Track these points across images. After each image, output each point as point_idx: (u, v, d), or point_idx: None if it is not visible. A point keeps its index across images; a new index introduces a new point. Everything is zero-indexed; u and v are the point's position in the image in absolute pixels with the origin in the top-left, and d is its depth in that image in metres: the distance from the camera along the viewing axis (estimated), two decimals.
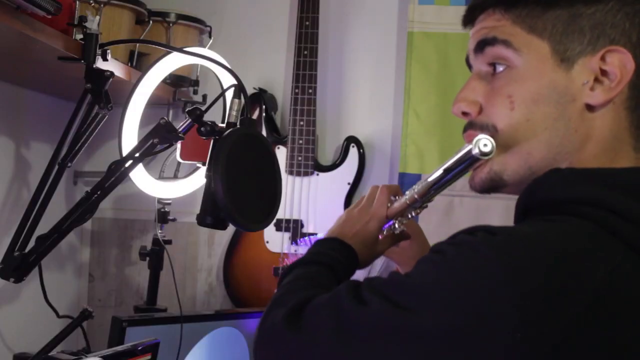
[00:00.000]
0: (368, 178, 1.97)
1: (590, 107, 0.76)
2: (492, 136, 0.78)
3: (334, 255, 0.98)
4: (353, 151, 1.93)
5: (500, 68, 0.81)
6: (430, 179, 0.92)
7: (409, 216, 1.04)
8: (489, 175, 0.82)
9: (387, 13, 2.00)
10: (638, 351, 0.64)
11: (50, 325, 1.50)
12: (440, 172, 0.88)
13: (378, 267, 1.84)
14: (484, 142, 0.77)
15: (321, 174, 1.91)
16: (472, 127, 0.83)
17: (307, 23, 1.87)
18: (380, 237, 1.06)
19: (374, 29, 2.01)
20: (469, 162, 0.81)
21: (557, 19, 0.77)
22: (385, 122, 1.99)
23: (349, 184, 1.92)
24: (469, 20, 0.86)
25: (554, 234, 0.68)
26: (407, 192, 0.99)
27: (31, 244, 1.26)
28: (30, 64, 1.46)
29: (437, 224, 1.87)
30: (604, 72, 0.76)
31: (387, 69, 2.00)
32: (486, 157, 0.77)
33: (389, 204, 1.05)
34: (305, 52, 1.87)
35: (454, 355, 0.65)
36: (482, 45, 0.82)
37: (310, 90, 1.88)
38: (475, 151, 0.77)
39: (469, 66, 0.87)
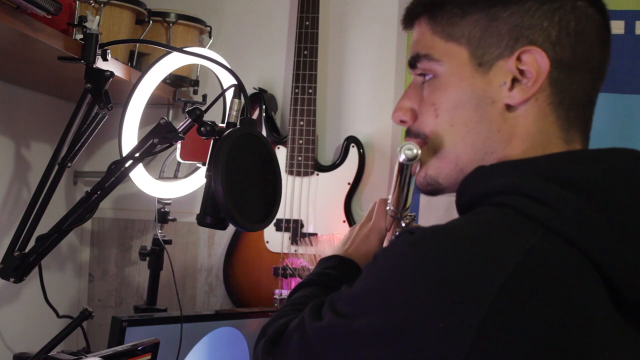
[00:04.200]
0: (368, 178, 1.98)
1: (510, 107, 0.79)
2: (423, 142, 0.84)
3: (332, 273, 1.01)
4: (353, 151, 1.93)
5: (428, 77, 0.84)
6: (392, 192, 0.98)
7: (402, 225, 1.06)
8: (426, 180, 0.86)
9: (387, 13, 2.00)
10: (558, 326, 0.65)
11: (50, 325, 1.51)
12: (393, 182, 0.95)
13: None
14: (407, 147, 0.83)
15: (321, 174, 1.91)
16: (409, 134, 0.88)
17: (307, 23, 1.87)
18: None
19: (374, 29, 2.01)
20: (403, 169, 0.88)
21: (475, 23, 0.80)
22: (385, 122, 1.99)
23: (349, 184, 1.92)
24: (406, 25, 0.91)
25: (469, 225, 0.71)
26: (388, 205, 1.04)
27: (31, 244, 1.26)
28: (30, 64, 1.46)
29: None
30: (521, 72, 0.78)
31: (387, 69, 2.00)
32: (413, 162, 0.83)
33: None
34: (305, 52, 1.87)
35: (384, 354, 0.68)
36: (412, 62, 0.86)
37: (310, 90, 1.88)
38: (402, 158, 0.83)
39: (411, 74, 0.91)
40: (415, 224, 1.07)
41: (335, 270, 1.02)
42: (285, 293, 1.88)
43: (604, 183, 0.71)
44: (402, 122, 0.88)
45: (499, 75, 0.79)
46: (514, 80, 0.78)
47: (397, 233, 1.08)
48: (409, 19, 0.89)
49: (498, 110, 0.79)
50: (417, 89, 0.87)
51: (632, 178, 0.73)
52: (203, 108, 1.13)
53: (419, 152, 0.82)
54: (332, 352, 0.74)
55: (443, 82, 0.82)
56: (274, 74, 2.05)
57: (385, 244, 1.09)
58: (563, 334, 0.64)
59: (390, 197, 1.00)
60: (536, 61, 0.77)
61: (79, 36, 1.31)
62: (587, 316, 0.66)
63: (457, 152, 0.82)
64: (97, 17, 1.38)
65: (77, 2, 1.39)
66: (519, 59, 0.78)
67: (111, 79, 1.32)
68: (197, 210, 1.10)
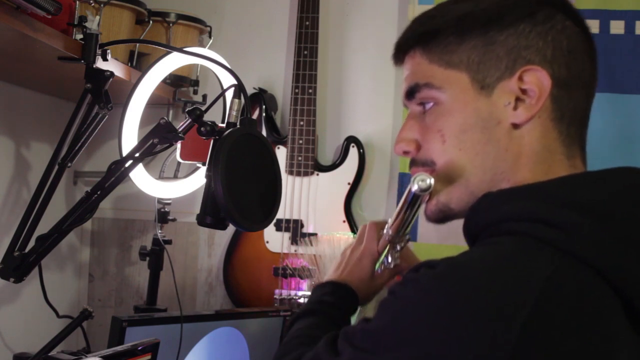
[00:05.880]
0: (368, 178, 1.98)
1: (516, 126, 0.80)
2: (432, 170, 0.84)
3: (329, 300, 1.02)
4: (353, 151, 1.93)
5: (428, 105, 0.85)
6: (394, 218, 0.97)
7: (397, 248, 1.06)
8: (438, 207, 0.86)
9: (387, 13, 2.00)
10: (585, 350, 0.66)
11: (50, 325, 1.51)
12: (397, 211, 0.94)
13: None
14: (421, 178, 0.82)
15: (321, 174, 1.91)
16: (415, 164, 0.87)
17: (307, 23, 1.87)
18: (378, 271, 1.09)
19: (374, 28, 2.01)
20: (413, 199, 0.87)
21: (473, 49, 0.81)
22: (385, 122, 1.99)
23: (349, 184, 1.92)
24: (397, 60, 0.91)
25: (488, 255, 0.71)
26: (385, 229, 1.03)
27: (31, 244, 1.26)
28: (30, 64, 1.46)
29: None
30: (524, 91, 0.80)
31: (387, 69, 1.99)
32: (426, 192, 0.83)
33: (381, 238, 1.08)
34: (305, 52, 1.87)
35: None
36: (411, 93, 0.86)
37: (310, 90, 1.88)
38: (415, 188, 0.83)
39: (406, 107, 0.91)
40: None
41: (332, 296, 1.03)
42: (285, 293, 1.88)
43: (612, 203, 0.72)
44: (406, 152, 0.88)
45: (503, 96, 0.80)
46: (517, 100, 0.80)
47: (388, 256, 1.08)
48: (401, 53, 0.89)
49: (504, 130, 0.80)
50: (416, 119, 0.87)
51: (638, 195, 0.74)
52: (203, 108, 1.14)
53: (432, 182, 0.82)
54: None
55: (447, 108, 0.83)
56: (274, 74, 2.05)
57: (376, 265, 1.09)
58: (589, 357, 0.66)
59: (390, 221, 1.00)
60: (538, 79, 0.79)
61: (79, 36, 1.31)
62: (609, 336, 0.67)
63: (468, 175, 0.82)
64: (97, 17, 1.38)
65: (77, 2, 1.39)
66: (520, 78, 0.80)
67: (111, 79, 1.32)
68: (197, 210, 1.11)
